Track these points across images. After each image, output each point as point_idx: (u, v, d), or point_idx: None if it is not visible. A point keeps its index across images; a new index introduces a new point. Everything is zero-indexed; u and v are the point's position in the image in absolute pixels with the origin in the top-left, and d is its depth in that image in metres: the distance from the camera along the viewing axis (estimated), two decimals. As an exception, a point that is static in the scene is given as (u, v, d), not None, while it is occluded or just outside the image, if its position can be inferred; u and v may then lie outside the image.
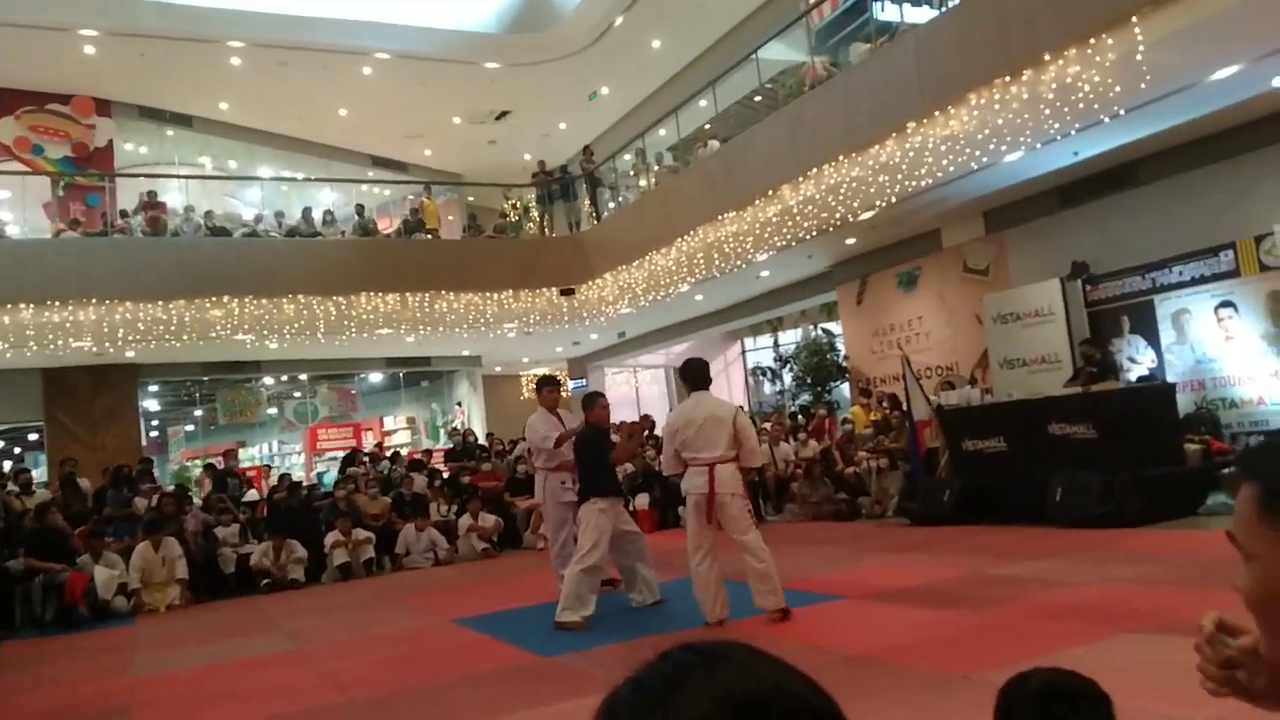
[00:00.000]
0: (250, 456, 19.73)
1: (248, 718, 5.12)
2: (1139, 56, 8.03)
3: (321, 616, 8.60)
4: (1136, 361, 10.64)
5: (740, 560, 6.09)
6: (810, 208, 11.99)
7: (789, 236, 12.45)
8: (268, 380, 19.10)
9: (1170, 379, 10.03)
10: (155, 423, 19.61)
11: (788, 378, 17.71)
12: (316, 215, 16.51)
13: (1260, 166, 9.72)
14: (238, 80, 16.64)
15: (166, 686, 6.26)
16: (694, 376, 6.45)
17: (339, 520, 11.44)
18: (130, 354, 14.86)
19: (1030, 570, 6.75)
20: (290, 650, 7.10)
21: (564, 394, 22.78)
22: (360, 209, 16.98)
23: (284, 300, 14.74)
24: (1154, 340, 10.65)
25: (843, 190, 11.45)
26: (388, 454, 16.14)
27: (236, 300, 14.46)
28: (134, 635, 8.72)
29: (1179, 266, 10.36)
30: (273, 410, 20.00)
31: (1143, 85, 8.23)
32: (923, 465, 10.60)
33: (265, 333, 14.75)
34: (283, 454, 20.35)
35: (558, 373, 23.12)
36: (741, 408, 7.62)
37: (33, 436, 17.47)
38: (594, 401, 7.43)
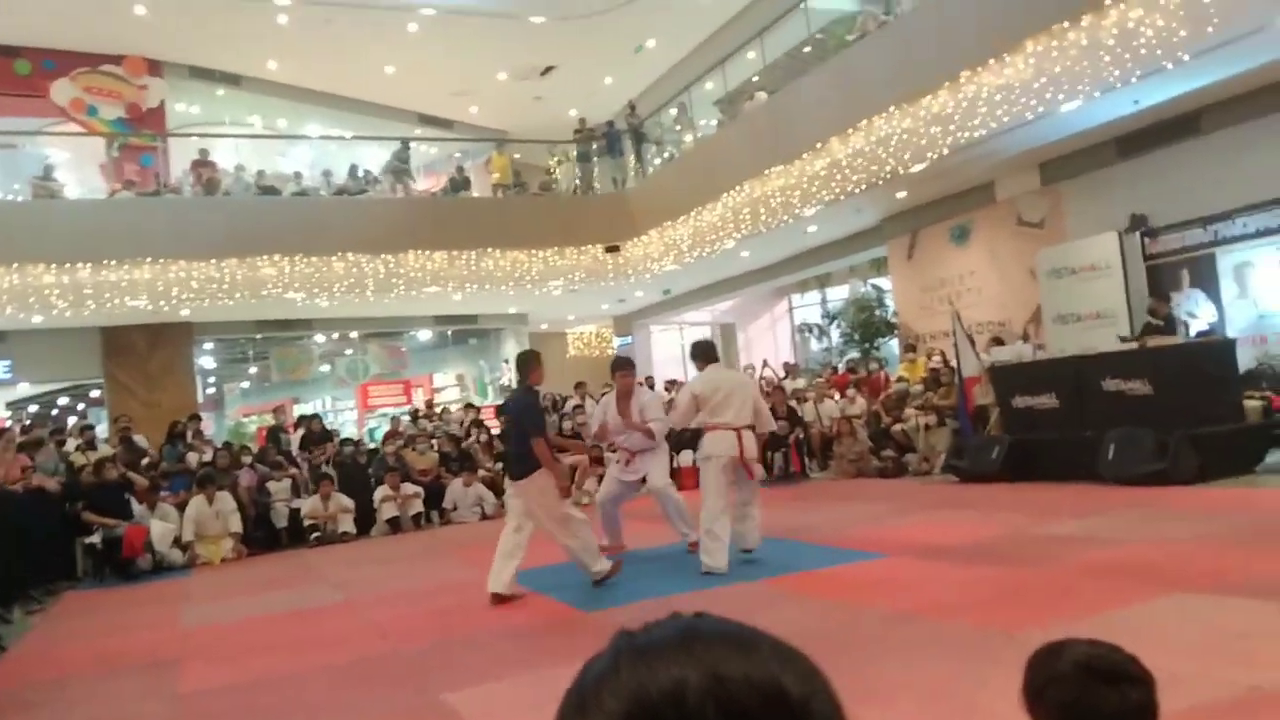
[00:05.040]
0: (303, 412, 20.07)
1: (294, 666, 5.25)
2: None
3: (369, 568, 8.77)
4: (1195, 316, 10.32)
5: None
6: (859, 160, 11.75)
7: (837, 191, 12.24)
8: (319, 338, 19.38)
9: (1231, 334, 9.71)
10: (211, 380, 20.03)
11: (835, 334, 17.51)
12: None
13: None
14: (285, 39, 16.67)
15: (216, 636, 6.44)
16: (705, 354, 7.05)
17: (388, 475, 11.62)
18: (185, 312, 15.15)
19: (1079, 528, 6.62)
20: (338, 601, 7.26)
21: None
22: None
23: (333, 258, 14.90)
24: (1215, 294, 10.31)
25: (893, 142, 11.20)
26: (437, 410, 16.33)
27: (287, 259, 14.65)
28: (188, 587, 9.00)
29: (1242, 218, 10.00)
30: (325, 368, 20.32)
31: (1210, 29, 7.90)
32: (971, 422, 10.43)
33: (316, 291, 14.94)
34: (336, 410, 20.67)
35: (605, 329, 23.14)
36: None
37: (94, 394, 17.98)
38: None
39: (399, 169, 16.90)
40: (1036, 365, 9.98)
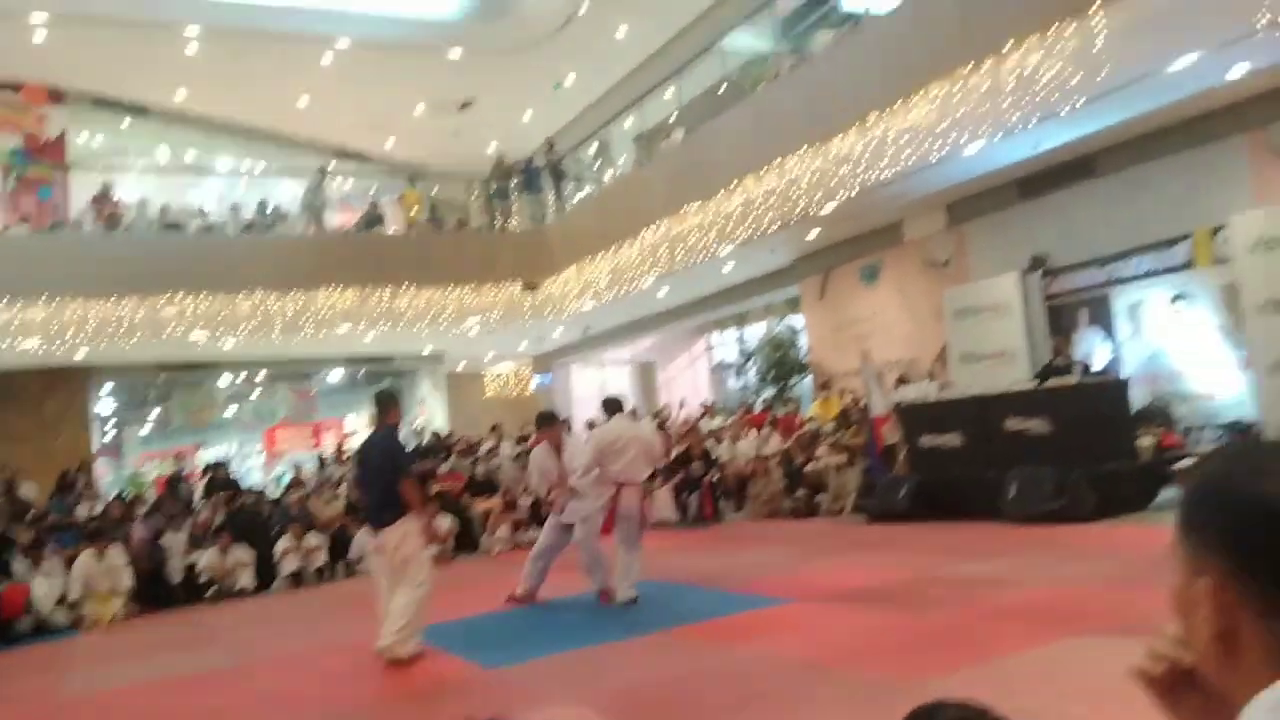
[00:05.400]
0: (207, 457, 19.38)
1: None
2: (1098, 46, 7.99)
3: (267, 628, 8.42)
4: (1092, 355, 10.62)
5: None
6: (773, 199, 11.90)
7: (752, 229, 12.36)
8: (225, 380, 18.78)
9: (1126, 373, 10.01)
10: (110, 425, 19.20)
11: (752, 373, 17.63)
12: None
13: (1214, 159, 9.69)
14: (195, 68, 16.24)
15: (93, 708, 6.07)
16: (612, 408, 7.52)
17: (291, 526, 11.21)
18: (81, 354, 14.52)
19: (982, 570, 6.70)
20: (229, 666, 6.91)
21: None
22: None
23: (239, 297, 14.46)
24: (1111, 334, 10.64)
25: (805, 182, 11.37)
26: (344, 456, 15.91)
27: (191, 297, 14.17)
28: (72, 650, 8.48)
29: (1135, 259, 10.35)
30: (231, 411, 19.68)
31: (1101, 76, 8.19)
32: (881, 462, 10.54)
33: (221, 330, 14.49)
34: (242, 455, 19.98)
35: (524, 368, 22.91)
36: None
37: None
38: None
39: (313, 204, 16.54)
40: (941, 405, 10.14)
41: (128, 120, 17.89)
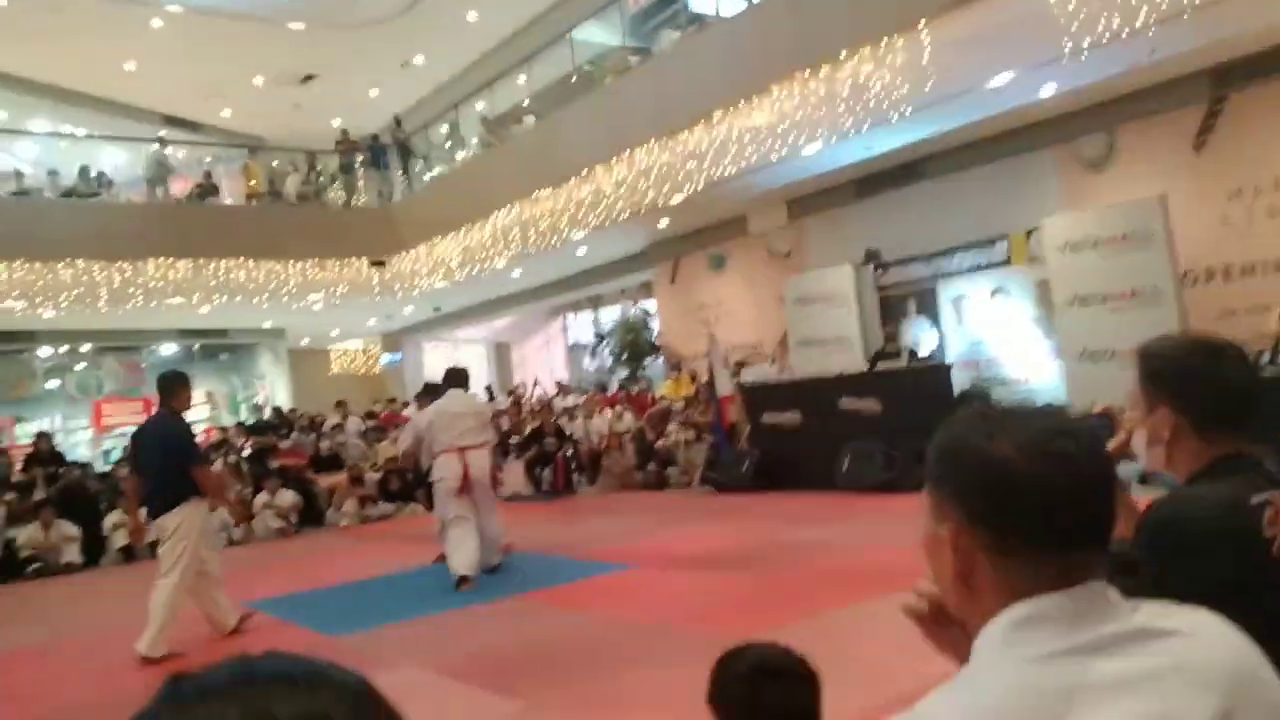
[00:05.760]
0: (29, 433, 18.08)
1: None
2: (925, 60, 8.60)
3: (93, 604, 8.05)
4: (920, 342, 11.41)
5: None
6: (623, 189, 12.14)
7: (604, 217, 12.57)
8: (44, 351, 17.56)
9: (950, 358, 10.82)
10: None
11: (606, 354, 17.93)
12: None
13: (1028, 168, 10.63)
14: (5, 22, 15.04)
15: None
16: (445, 381, 7.43)
17: (120, 500, 10.67)
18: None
19: (815, 535, 7.17)
20: (44, 642, 6.59)
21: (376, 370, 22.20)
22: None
23: (60, 265, 13.57)
24: (937, 323, 11.45)
25: (653, 174, 11.67)
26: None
27: (4, 263, 13.19)
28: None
29: (958, 255, 11.18)
30: (53, 383, 18.43)
31: (928, 87, 8.80)
32: (726, 438, 11.01)
33: (39, 299, 13.56)
34: (68, 430, 18.74)
35: (372, 345, 22.44)
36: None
37: None
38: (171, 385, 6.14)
39: (158, 174, 15.59)
40: (782, 385, 10.71)
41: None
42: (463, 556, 6.61)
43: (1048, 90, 9.26)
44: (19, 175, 14.90)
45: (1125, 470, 1.85)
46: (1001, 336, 10.86)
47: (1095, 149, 10.17)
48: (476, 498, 6.97)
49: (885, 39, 8.85)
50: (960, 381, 10.44)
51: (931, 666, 0.95)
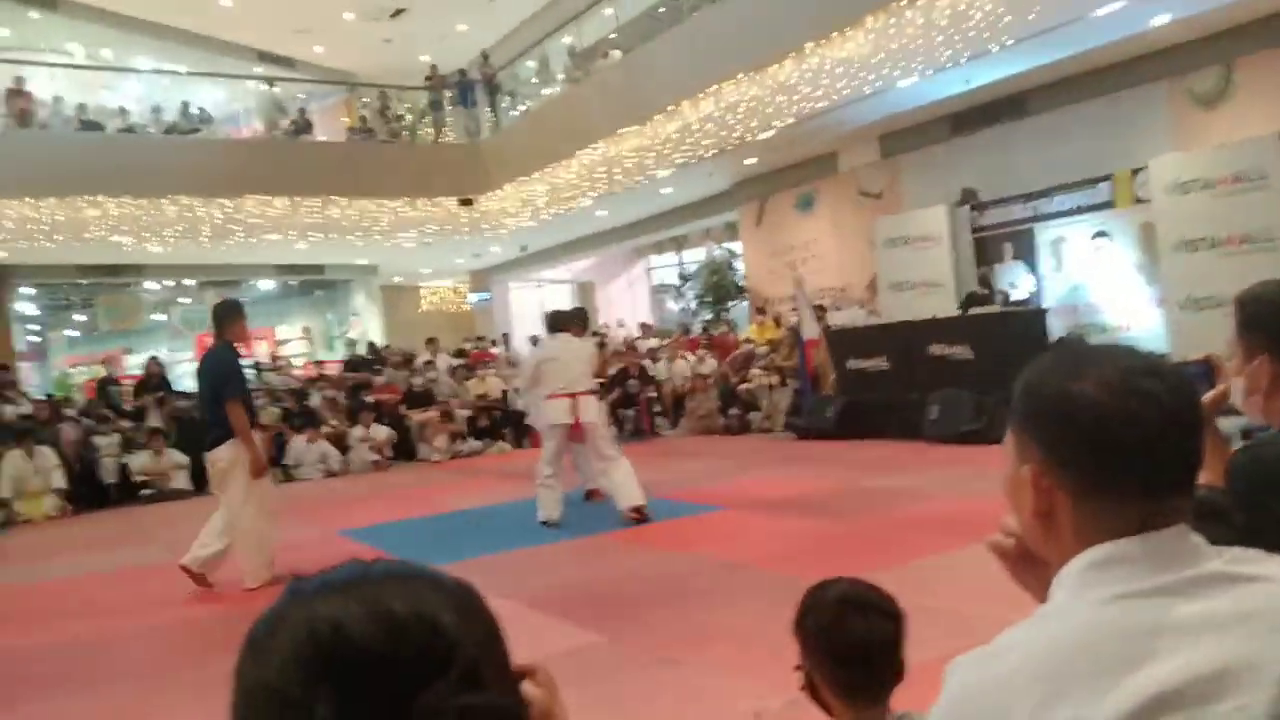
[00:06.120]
0: (139, 364, 19.00)
1: (111, 628, 5.06)
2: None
3: (202, 526, 8.44)
4: (1016, 287, 11.07)
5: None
6: (710, 125, 11.96)
7: (689, 154, 12.43)
8: (151, 285, 18.32)
9: (1048, 305, 10.47)
10: (34, 327, 18.64)
11: (690, 296, 17.88)
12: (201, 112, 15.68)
13: (1137, 103, 10.07)
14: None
15: (33, 598, 6.13)
16: (553, 323, 7.34)
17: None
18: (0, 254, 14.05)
19: (901, 484, 7.10)
20: (168, 560, 6.99)
21: (465, 306, 22.55)
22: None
23: (164, 201, 14.05)
24: (1034, 267, 11.07)
25: (741, 109, 11.45)
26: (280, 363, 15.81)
27: (112, 200, 13.72)
28: (5, 547, 8.47)
29: (1059, 196, 10.74)
30: (159, 316, 19.22)
31: (1031, 16, 8.40)
32: (811, 383, 10.92)
33: (145, 235, 14.11)
34: (174, 362, 19.64)
35: (461, 284, 22.80)
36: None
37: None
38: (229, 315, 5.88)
39: (274, 115, 15.97)
40: (870, 330, 10.54)
41: (36, 14, 16.97)
42: (549, 508, 6.74)
43: (1160, 19, 8.72)
44: (124, 112, 15.42)
45: (1227, 424, 1.78)
46: (1101, 282, 10.45)
47: (1209, 83, 9.56)
48: (592, 443, 6.87)
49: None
50: (1056, 328, 10.11)
51: (1017, 614, 0.94)
